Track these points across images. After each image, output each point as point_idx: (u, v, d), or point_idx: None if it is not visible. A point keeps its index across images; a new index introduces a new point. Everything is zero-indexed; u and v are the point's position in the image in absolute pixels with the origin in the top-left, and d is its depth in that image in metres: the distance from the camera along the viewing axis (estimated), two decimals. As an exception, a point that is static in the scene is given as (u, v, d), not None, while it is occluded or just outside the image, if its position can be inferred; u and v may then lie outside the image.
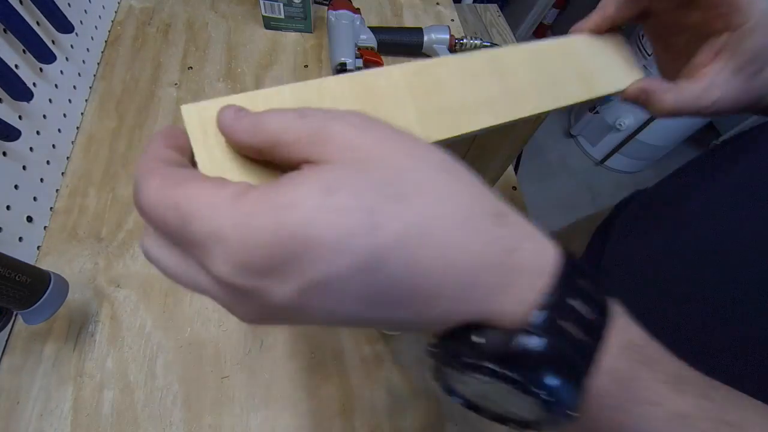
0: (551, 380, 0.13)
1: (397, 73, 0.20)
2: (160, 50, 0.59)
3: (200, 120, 0.17)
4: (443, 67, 0.21)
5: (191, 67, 0.58)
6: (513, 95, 0.22)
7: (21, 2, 0.41)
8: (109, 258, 0.43)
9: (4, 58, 0.37)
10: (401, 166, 0.14)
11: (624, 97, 0.26)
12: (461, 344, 0.14)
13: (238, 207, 0.13)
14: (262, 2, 0.60)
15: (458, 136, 0.21)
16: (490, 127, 0.22)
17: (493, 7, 1.39)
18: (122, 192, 0.47)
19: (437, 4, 0.76)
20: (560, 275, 0.14)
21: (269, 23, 0.64)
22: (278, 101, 0.18)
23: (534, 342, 0.13)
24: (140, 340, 0.39)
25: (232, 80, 0.58)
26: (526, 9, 2.08)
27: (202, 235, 0.13)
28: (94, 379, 0.37)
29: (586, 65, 0.25)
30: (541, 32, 2.23)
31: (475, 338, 0.14)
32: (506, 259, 0.14)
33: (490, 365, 0.13)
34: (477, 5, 1.37)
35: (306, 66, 0.62)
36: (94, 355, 0.38)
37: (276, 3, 0.60)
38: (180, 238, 0.14)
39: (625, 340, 0.15)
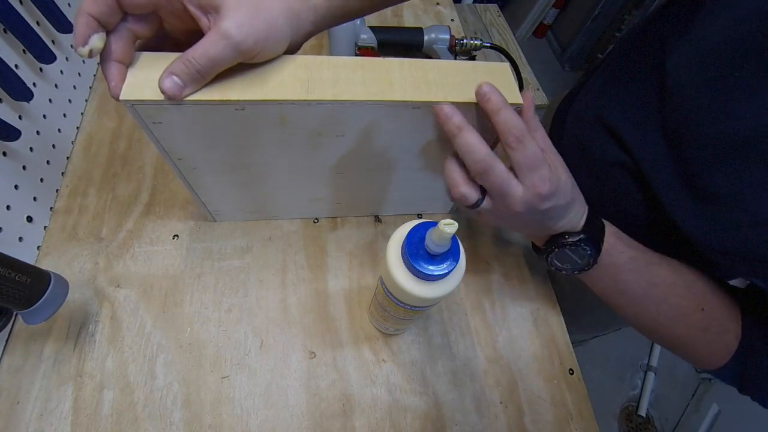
0: (589, 248, 0.34)
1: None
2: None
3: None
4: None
5: (191, 67, 0.58)
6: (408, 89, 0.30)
7: (21, 2, 0.41)
8: (109, 258, 0.43)
9: (4, 58, 0.37)
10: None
11: None
12: (559, 238, 0.34)
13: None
14: (262, 2, 0.60)
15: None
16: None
17: (493, 7, 1.39)
18: (122, 192, 0.47)
19: (437, 4, 0.76)
20: (588, 214, 0.35)
21: (269, 23, 0.64)
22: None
23: (583, 236, 0.34)
24: (140, 340, 0.39)
25: (232, 80, 0.58)
26: (526, 9, 2.08)
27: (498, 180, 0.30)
28: (94, 379, 0.37)
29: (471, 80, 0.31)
30: (541, 32, 2.23)
31: (567, 236, 0.34)
32: (574, 211, 0.34)
33: (571, 240, 0.34)
34: (477, 5, 1.37)
35: (306, 66, 0.62)
36: (94, 355, 0.38)
37: (276, 3, 0.60)
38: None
39: (610, 231, 0.36)
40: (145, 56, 0.28)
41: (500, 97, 0.29)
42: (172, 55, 0.27)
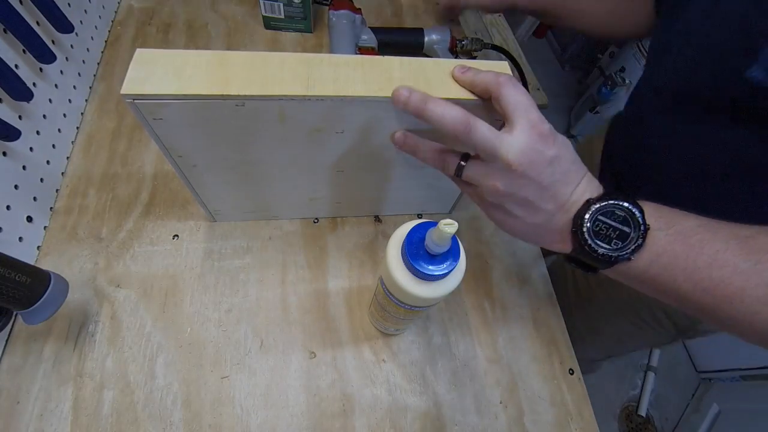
0: (631, 204, 0.27)
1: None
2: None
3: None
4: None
5: (191, 67, 0.58)
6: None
7: (21, 2, 0.41)
8: (109, 258, 0.43)
9: (4, 58, 0.37)
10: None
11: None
12: (588, 206, 0.27)
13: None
14: (262, 2, 0.60)
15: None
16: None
17: (493, 7, 1.38)
18: (122, 192, 0.47)
19: (437, 4, 0.76)
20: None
21: (269, 23, 0.64)
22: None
23: (616, 198, 0.27)
24: (140, 340, 0.39)
25: (232, 80, 0.58)
26: (526, 9, 2.07)
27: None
28: (94, 379, 0.37)
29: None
30: (541, 32, 2.23)
31: (594, 202, 0.28)
32: (589, 180, 0.29)
33: (605, 202, 0.27)
34: (477, 5, 1.37)
35: (306, 66, 0.62)
36: (94, 355, 0.38)
37: (276, 3, 0.60)
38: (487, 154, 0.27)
39: (649, 207, 0.28)
40: (146, 52, 0.28)
41: (474, 68, 0.30)
42: (174, 51, 0.28)
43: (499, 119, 0.29)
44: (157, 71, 0.27)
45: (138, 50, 0.28)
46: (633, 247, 0.27)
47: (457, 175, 0.30)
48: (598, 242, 0.27)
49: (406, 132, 0.33)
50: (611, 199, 0.27)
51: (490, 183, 0.28)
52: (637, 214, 0.27)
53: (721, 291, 0.25)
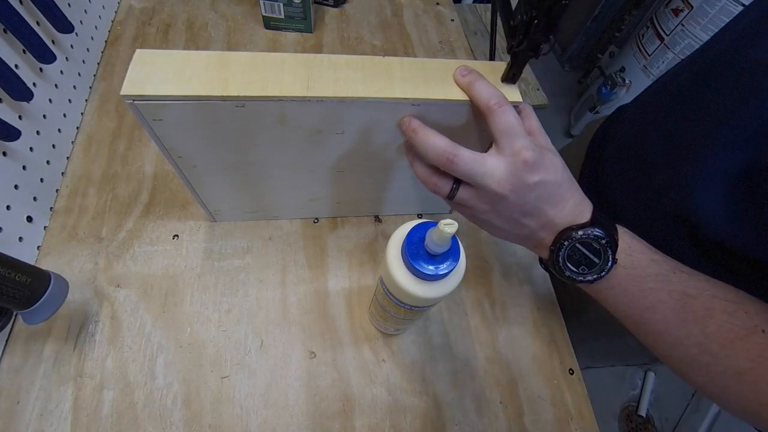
0: (605, 239, 0.29)
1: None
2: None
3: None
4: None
5: (191, 67, 0.58)
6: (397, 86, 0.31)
7: (21, 2, 0.41)
8: (109, 258, 0.43)
9: (4, 58, 0.37)
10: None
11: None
12: (567, 232, 0.30)
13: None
14: (262, 2, 0.60)
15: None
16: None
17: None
18: (122, 192, 0.47)
19: (437, 4, 0.76)
20: (594, 211, 0.31)
21: (269, 23, 0.64)
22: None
23: (596, 227, 0.30)
24: (140, 340, 0.39)
25: (232, 80, 0.58)
26: (526, 9, 2.07)
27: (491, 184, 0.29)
28: (94, 379, 0.37)
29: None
30: (541, 32, 2.22)
31: (576, 228, 0.30)
32: (573, 200, 0.31)
33: (582, 232, 0.29)
34: (477, 5, 1.37)
35: (306, 66, 0.62)
36: (94, 355, 0.38)
37: (276, 3, 0.60)
38: (471, 180, 0.29)
39: (623, 231, 0.31)
40: (146, 53, 0.28)
41: (476, 72, 0.30)
42: (174, 51, 0.28)
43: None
44: (157, 72, 0.27)
45: (138, 51, 0.28)
46: (595, 276, 0.31)
47: (450, 197, 0.32)
48: (568, 265, 0.31)
49: (407, 143, 0.33)
50: (592, 230, 0.29)
51: (479, 205, 0.31)
52: (609, 252, 0.30)
53: (650, 329, 0.31)
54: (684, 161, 0.35)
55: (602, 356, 0.49)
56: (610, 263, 0.30)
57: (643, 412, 1.28)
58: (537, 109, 1.13)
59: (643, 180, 0.41)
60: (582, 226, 0.30)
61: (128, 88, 0.26)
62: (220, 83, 0.28)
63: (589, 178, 0.51)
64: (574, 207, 0.30)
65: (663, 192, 0.38)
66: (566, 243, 0.30)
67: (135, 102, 0.27)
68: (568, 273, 0.31)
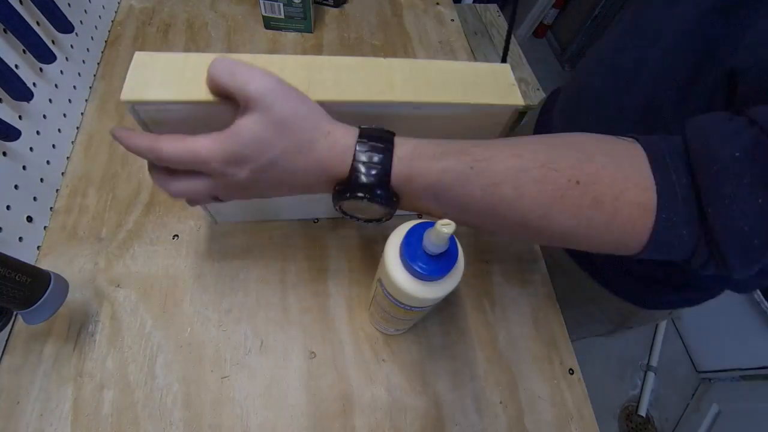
0: (377, 190, 0.26)
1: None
2: (160, 50, 0.59)
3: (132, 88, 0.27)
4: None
5: (191, 67, 0.58)
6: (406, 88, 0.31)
7: (21, 2, 0.41)
8: (109, 258, 0.43)
9: (4, 58, 0.37)
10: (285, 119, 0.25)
11: None
12: (336, 192, 0.28)
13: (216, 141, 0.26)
14: (262, 2, 0.60)
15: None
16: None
17: (493, 7, 1.39)
18: (122, 192, 0.47)
19: (437, 4, 0.76)
20: (358, 136, 0.27)
21: (269, 23, 0.64)
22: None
23: (364, 178, 0.26)
24: (140, 340, 0.39)
25: (232, 80, 0.58)
26: (525, 9, 2.07)
27: (203, 157, 0.26)
28: (94, 379, 0.37)
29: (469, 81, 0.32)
30: (540, 32, 2.23)
31: (338, 186, 0.28)
32: (328, 145, 0.26)
33: (348, 194, 0.26)
34: (477, 5, 1.37)
35: (306, 66, 0.62)
36: (94, 355, 0.38)
37: (276, 3, 0.60)
38: (189, 165, 0.26)
39: (401, 155, 0.26)
40: (145, 56, 0.28)
41: (122, 132, 0.27)
42: (172, 54, 0.28)
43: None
44: (157, 75, 0.27)
45: (137, 53, 0.28)
46: (384, 219, 0.29)
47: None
48: (358, 216, 0.30)
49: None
50: (354, 188, 0.26)
51: (237, 192, 0.29)
52: (384, 196, 0.26)
53: (471, 225, 0.29)
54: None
55: (573, 328, 0.50)
56: (389, 209, 0.27)
57: (643, 412, 1.28)
58: (537, 108, 1.12)
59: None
60: (345, 184, 0.26)
61: (128, 93, 0.26)
62: None
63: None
64: (320, 156, 0.26)
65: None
66: (337, 208, 0.28)
67: (135, 107, 0.27)
68: (356, 221, 0.30)
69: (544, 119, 0.57)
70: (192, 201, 0.32)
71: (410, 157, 0.26)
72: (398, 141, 0.27)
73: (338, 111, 0.30)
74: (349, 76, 0.30)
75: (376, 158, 0.26)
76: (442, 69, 0.32)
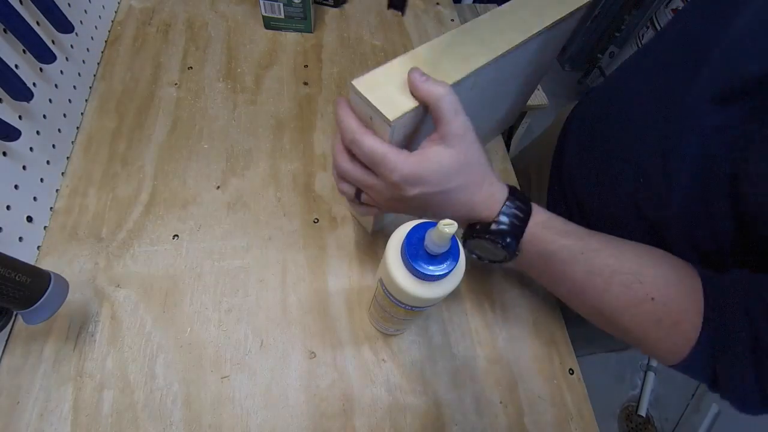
0: (509, 239, 0.32)
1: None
2: (160, 50, 0.59)
3: (367, 84, 0.29)
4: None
5: (191, 67, 0.58)
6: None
7: (21, 2, 0.41)
8: (109, 258, 0.43)
9: (4, 58, 0.37)
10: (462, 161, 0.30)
11: None
12: (472, 228, 0.33)
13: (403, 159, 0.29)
14: (262, 2, 0.60)
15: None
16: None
17: (493, 7, 1.38)
18: (122, 192, 0.47)
19: (437, 4, 0.76)
20: (509, 193, 0.33)
21: (269, 23, 0.64)
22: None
23: (494, 227, 0.32)
24: (140, 340, 0.39)
25: (232, 80, 0.58)
26: (526, 9, 2.07)
27: (390, 164, 0.29)
28: (94, 379, 0.37)
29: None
30: (541, 32, 2.22)
31: (477, 225, 0.33)
32: (486, 194, 0.32)
33: (483, 232, 0.32)
34: (477, 5, 1.37)
35: (306, 66, 0.62)
36: (94, 355, 0.38)
37: (276, 3, 0.60)
38: (374, 163, 0.30)
39: (537, 221, 0.33)
40: (366, 80, 0.30)
41: (345, 105, 0.31)
42: (381, 68, 0.31)
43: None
44: (389, 90, 0.29)
45: (354, 81, 0.29)
46: (498, 263, 0.35)
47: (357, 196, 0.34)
48: (477, 253, 0.35)
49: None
50: (496, 226, 0.32)
51: (386, 202, 0.33)
52: (513, 244, 0.32)
53: (557, 293, 0.37)
54: (643, 142, 0.38)
55: (581, 346, 0.51)
56: (509, 258, 0.33)
57: (643, 412, 1.28)
58: (537, 109, 1.12)
59: (603, 161, 0.44)
60: (484, 226, 0.32)
61: (388, 111, 0.28)
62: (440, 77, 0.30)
63: (556, 167, 0.53)
64: (473, 204, 0.32)
65: (620, 174, 0.41)
66: (470, 239, 0.33)
67: (392, 124, 0.28)
68: (474, 256, 0.35)
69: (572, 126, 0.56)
70: (352, 198, 0.35)
71: (543, 225, 0.33)
72: (535, 208, 0.33)
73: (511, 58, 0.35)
74: (502, 27, 0.35)
75: (518, 217, 0.32)
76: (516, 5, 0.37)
